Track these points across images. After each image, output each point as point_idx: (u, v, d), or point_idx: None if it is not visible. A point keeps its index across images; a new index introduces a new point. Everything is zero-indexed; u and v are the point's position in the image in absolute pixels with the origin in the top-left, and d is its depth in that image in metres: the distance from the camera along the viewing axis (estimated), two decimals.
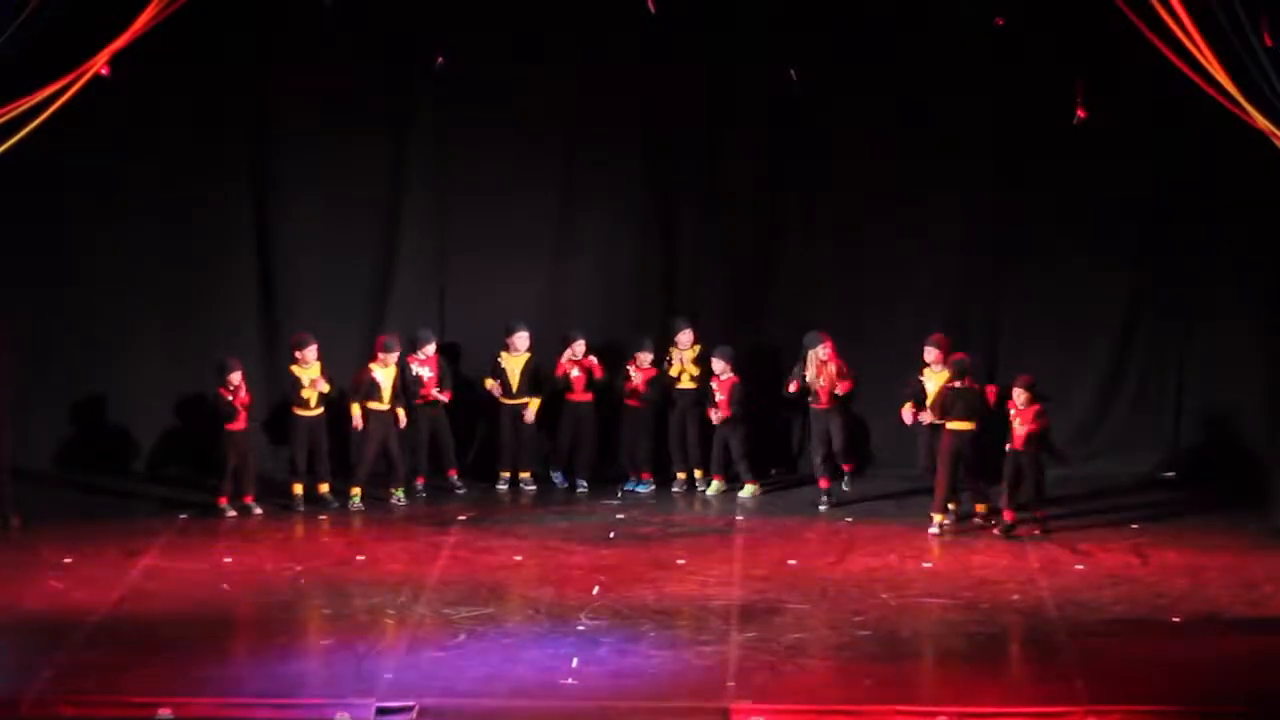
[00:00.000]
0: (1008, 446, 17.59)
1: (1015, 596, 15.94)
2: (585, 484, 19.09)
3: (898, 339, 18.98)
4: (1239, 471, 18.80)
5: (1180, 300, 19.22)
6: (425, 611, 15.47)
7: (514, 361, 18.92)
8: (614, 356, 19.04)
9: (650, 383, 18.90)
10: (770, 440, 19.33)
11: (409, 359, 18.69)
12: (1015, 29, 18.11)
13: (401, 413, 18.51)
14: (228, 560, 16.85)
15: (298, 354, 18.29)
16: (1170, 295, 19.21)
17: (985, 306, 19.39)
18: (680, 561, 16.79)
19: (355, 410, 18.42)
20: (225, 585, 16.19)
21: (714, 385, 18.72)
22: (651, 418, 19.05)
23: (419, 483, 18.89)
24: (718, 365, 18.65)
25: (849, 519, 18.18)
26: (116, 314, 19.16)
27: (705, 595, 15.93)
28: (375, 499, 18.55)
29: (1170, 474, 19.33)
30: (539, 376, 18.99)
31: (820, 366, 18.37)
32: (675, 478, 19.08)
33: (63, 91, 15.95)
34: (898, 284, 19.29)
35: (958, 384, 17.62)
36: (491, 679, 14.09)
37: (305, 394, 18.22)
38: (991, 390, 17.89)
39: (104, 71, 16.19)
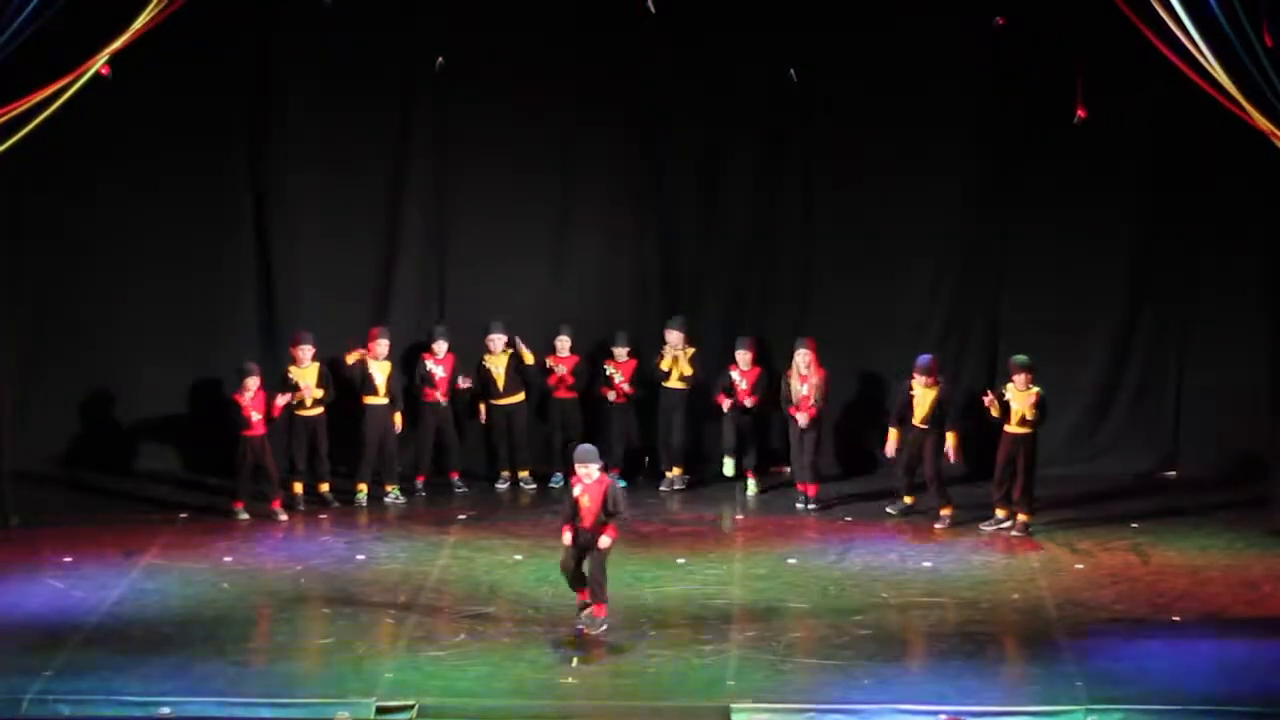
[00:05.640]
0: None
1: (1015, 596, 15.95)
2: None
3: (897, 338, 18.99)
4: (1239, 471, 18.81)
5: (1180, 300, 19.21)
6: (425, 611, 15.48)
7: (496, 361, 18.91)
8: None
9: (633, 376, 18.92)
10: (770, 440, 19.32)
11: (423, 356, 18.71)
12: (1014, 27, 18.10)
13: (398, 416, 18.54)
14: (228, 560, 16.85)
15: (294, 351, 18.30)
16: (1170, 295, 19.21)
17: (985, 305, 19.38)
18: (680, 561, 16.80)
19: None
20: (225, 585, 16.20)
21: (735, 375, 18.68)
22: (634, 412, 19.08)
23: (419, 480, 18.90)
24: (741, 359, 18.62)
25: (849, 518, 18.19)
26: (117, 314, 19.15)
27: (705, 595, 15.94)
28: (373, 496, 18.55)
29: (1171, 474, 19.34)
30: (524, 373, 18.99)
31: (803, 377, 18.31)
32: (664, 476, 19.07)
33: (63, 91, 15.95)
34: (897, 283, 19.28)
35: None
36: (491, 679, 14.10)
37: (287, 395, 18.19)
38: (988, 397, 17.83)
39: (104, 71, 16.19)
